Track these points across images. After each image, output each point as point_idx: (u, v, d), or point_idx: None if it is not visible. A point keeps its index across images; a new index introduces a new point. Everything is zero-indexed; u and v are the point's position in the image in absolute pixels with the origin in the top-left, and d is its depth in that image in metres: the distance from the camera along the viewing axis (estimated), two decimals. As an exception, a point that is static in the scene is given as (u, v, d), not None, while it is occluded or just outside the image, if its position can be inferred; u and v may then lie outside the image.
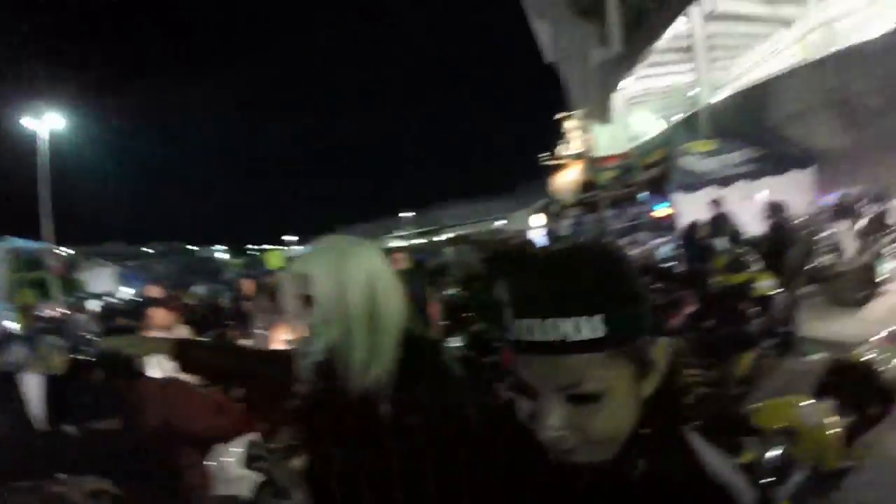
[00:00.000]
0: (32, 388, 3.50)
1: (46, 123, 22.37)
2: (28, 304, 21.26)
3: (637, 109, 19.48)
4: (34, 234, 23.21)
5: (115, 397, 3.24)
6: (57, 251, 23.14)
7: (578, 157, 21.70)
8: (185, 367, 1.96)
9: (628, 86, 18.99)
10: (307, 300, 1.41)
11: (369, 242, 1.55)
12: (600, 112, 20.00)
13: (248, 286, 8.80)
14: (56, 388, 3.55)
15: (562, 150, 23.63)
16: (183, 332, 5.46)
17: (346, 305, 1.39)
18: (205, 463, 3.11)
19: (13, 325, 17.48)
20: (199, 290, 15.88)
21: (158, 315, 5.28)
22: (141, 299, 13.38)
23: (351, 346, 1.39)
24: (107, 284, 24.21)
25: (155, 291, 8.23)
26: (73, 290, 23.33)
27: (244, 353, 3.57)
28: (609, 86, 18.81)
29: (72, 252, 25.82)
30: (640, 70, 17.57)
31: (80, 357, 4.22)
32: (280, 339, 4.57)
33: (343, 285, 1.39)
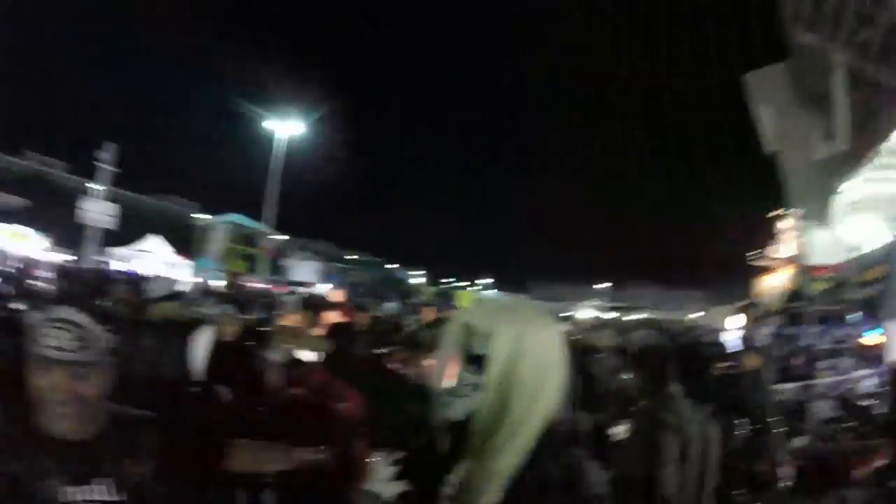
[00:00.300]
0: (200, 344, 4.05)
1: (287, 128, 25.18)
2: (236, 271, 24.18)
3: (859, 216, 17.43)
4: (256, 218, 26.03)
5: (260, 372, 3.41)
6: (272, 235, 25.94)
7: (789, 261, 20.01)
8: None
9: (851, 188, 17.07)
10: (468, 354, 1.33)
11: (553, 318, 1.44)
12: (819, 214, 18.17)
13: (427, 314, 8.64)
14: (218, 350, 4.08)
15: (773, 251, 21.96)
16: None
17: (511, 379, 1.29)
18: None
19: (218, 284, 20.07)
20: (391, 306, 16.73)
21: (330, 317, 5.40)
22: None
23: (497, 424, 1.29)
24: (307, 276, 26.46)
25: (338, 295, 8.60)
26: (277, 272, 25.90)
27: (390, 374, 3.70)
28: (830, 186, 16.97)
29: (285, 238, 28.65)
30: (867, 172, 15.76)
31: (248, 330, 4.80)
32: (441, 376, 4.40)
33: (516, 357, 1.29)
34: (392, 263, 57.93)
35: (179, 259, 24.49)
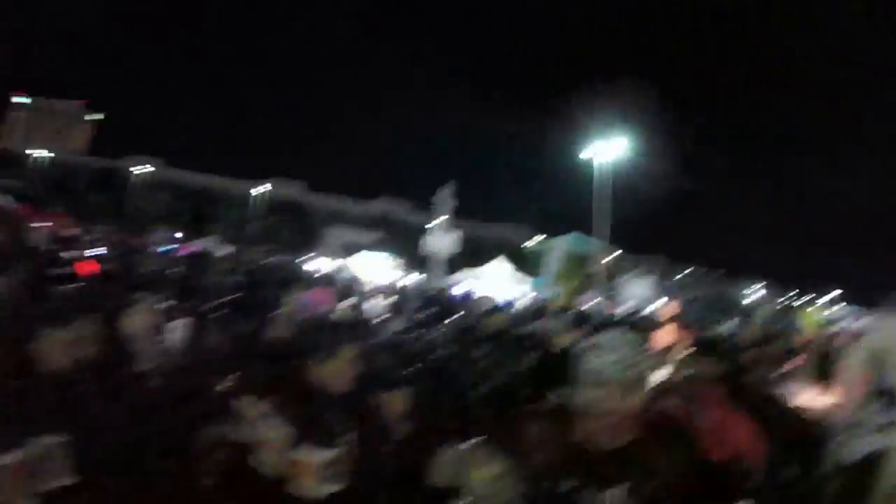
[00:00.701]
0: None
1: (607, 151, 24.91)
2: (573, 290, 24.43)
3: None
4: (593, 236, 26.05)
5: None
6: (606, 253, 25.64)
7: None
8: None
9: None
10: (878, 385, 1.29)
11: None
12: None
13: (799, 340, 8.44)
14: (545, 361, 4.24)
15: None
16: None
17: None
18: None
19: (554, 301, 20.42)
20: (728, 326, 15.19)
21: (661, 336, 5.50)
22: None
23: None
24: (642, 293, 25.45)
25: (670, 310, 8.32)
26: (611, 289, 25.49)
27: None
28: None
29: (619, 255, 28.15)
30: None
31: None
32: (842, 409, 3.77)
33: None
34: (729, 276, 53.83)
35: (521, 275, 25.75)
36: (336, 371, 2.54)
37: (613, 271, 27.39)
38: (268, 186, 59.64)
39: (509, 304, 14.19)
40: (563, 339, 4.65)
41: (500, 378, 4.16)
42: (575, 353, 1.68)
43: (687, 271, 48.78)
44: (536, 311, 14.13)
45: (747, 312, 31.34)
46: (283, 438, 2.23)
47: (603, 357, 1.59)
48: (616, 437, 1.56)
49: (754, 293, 50.24)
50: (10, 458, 1.71)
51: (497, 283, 23.73)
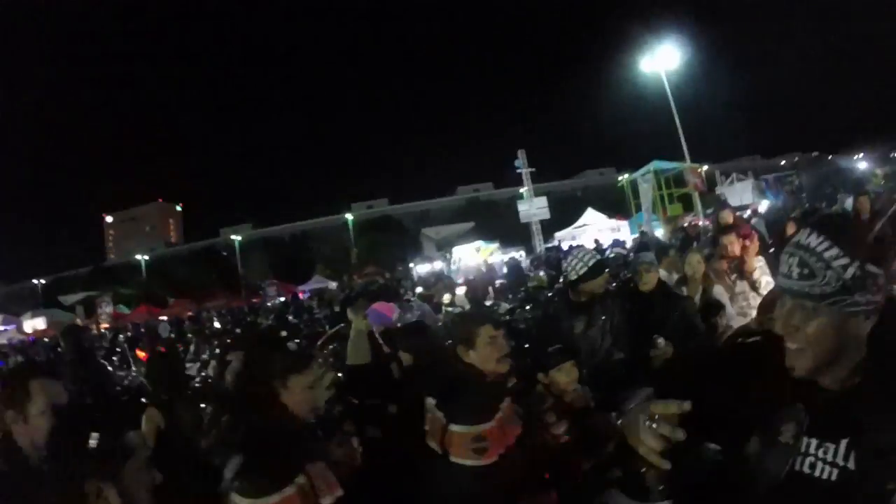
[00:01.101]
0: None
1: (664, 62, 24.07)
2: (673, 216, 23.87)
3: None
4: (678, 157, 25.34)
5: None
6: (695, 168, 24.86)
7: None
8: None
9: None
10: None
11: None
12: None
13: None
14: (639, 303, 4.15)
15: None
16: (754, 265, 5.00)
17: None
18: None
19: (658, 232, 20.16)
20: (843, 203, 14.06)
21: (731, 243, 5.04)
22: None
23: None
24: (746, 197, 24.52)
25: (728, 217, 7.51)
26: (713, 204, 24.68)
27: None
28: None
29: (706, 168, 27.15)
30: None
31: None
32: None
33: None
34: (836, 152, 48.09)
35: (615, 222, 25.48)
36: (485, 356, 2.70)
37: (709, 184, 26.49)
38: (349, 215, 61.76)
39: (604, 257, 14.31)
40: (651, 277, 4.32)
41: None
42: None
43: (783, 162, 45.95)
44: (638, 247, 14.11)
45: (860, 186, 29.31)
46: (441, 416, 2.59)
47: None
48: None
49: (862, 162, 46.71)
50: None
51: (596, 233, 23.67)
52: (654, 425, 1.15)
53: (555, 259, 16.33)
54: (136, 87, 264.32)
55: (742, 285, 4.93)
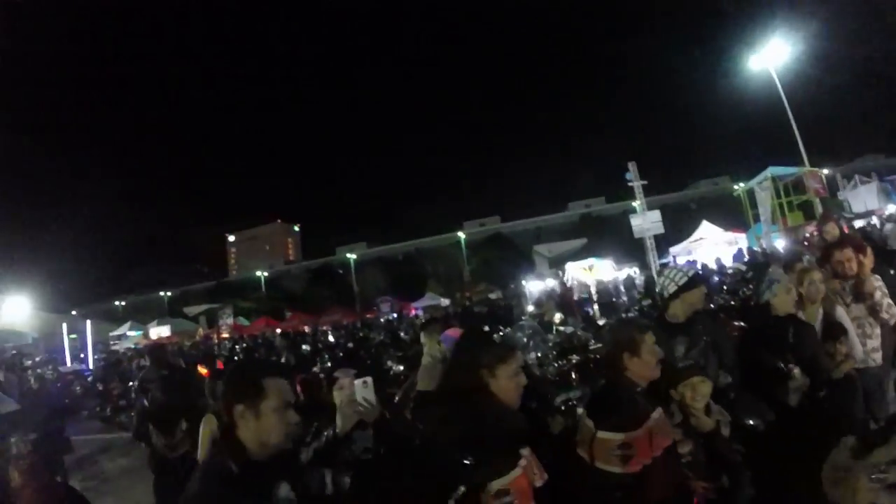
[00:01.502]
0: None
1: (773, 59, 23.23)
2: (794, 226, 22.99)
3: None
4: (795, 160, 24.43)
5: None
6: (815, 172, 23.79)
7: None
8: None
9: None
10: None
11: None
12: None
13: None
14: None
15: None
16: (874, 284, 4.55)
17: None
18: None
19: (778, 244, 19.55)
20: None
21: (848, 259, 4.55)
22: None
23: None
24: (871, 201, 23.27)
25: (834, 230, 6.78)
26: (839, 210, 23.55)
27: None
28: None
29: (826, 171, 25.88)
30: None
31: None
32: None
33: None
34: None
35: (732, 235, 24.87)
36: (647, 362, 2.77)
37: (831, 189, 25.22)
38: (462, 233, 62.96)
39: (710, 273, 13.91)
40: (784, 301, 3.94)
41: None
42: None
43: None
44: (756, 266, 13.63)
45: None
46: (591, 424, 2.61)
47: None
48: None
49: None
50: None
51: (710, 249, 23.26)
52: (885, 476, 1.11)
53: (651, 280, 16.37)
54: (260, 116, 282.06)
55: (858, 309, 4.44)
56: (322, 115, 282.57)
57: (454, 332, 4.78)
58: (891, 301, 4.50)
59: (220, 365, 13.22)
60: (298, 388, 5.46)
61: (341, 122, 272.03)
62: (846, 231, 8.12)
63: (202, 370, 8.89)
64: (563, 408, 5.22)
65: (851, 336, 4.10)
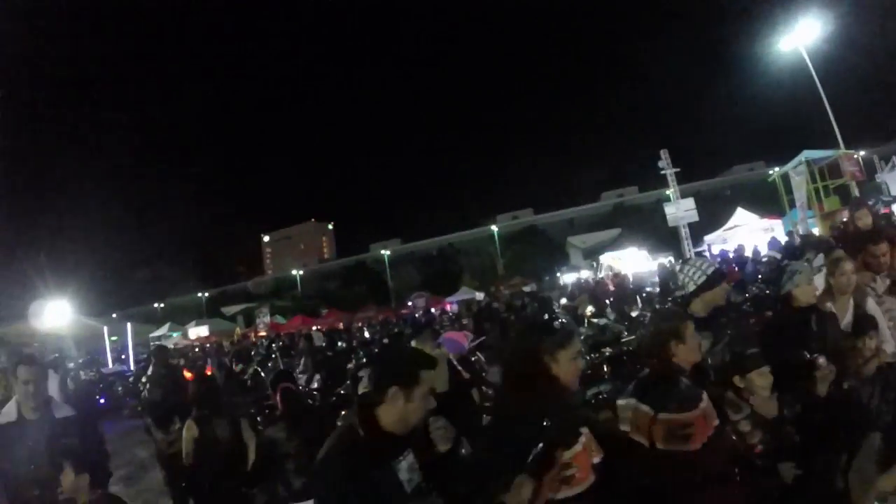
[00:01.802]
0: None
1: (805, 40, 22.91)
2: (831, 211, 22.68)
3: None
4: (831, 143, 24.11)
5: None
6: (850, 155, 23.40)
7: None
8: None
9: None
10: None
11: None
12: None
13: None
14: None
15: None
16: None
17: None
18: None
19: (815, 231, 19.36)
20: None
21: (883, 253, 4.31)
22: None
23: None
24: (911, 182, 22.80)
25: (867, 217, 6.30)
26: (876, 193, 23.15)
27: None
28: None
29: (863, 154, 25.41)
30: None
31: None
32: None
33: None
34: None
35: (767, 222, 24.64)
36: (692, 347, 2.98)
37: (868, 173, 24.77)
38: (495, 227, 63.02)
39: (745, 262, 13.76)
40: (806, 292, 3.89)
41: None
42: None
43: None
44: (789, 253, 13.47)
45: None
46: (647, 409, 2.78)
47: None
48: None
49: None
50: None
51: (745, 237, 23.10)
52: None
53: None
54: (294, 116, 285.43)
55: (892, 301, 4.25)
56: (355, 113, 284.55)
57: (454, 335, 5.09)
58: None
59: (208, 370, 13.68)
60: (278, 398, 5.77)
61: (374, 119, 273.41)
62: (879, 218, 7.83)
63: (187, 374, 9.14)
64: (592, 402, 5.34)
65: (883, 330, 3.93)
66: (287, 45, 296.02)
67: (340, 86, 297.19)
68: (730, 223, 25.75)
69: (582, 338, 7.24)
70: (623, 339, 7.59)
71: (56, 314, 14.68)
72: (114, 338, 22.23)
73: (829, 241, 8.43)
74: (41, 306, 14.13)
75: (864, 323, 3.83)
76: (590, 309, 9.78)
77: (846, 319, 3.97)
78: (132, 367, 19.87)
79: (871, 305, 4.05)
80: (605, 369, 6.64)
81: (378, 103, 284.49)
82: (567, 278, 27.96)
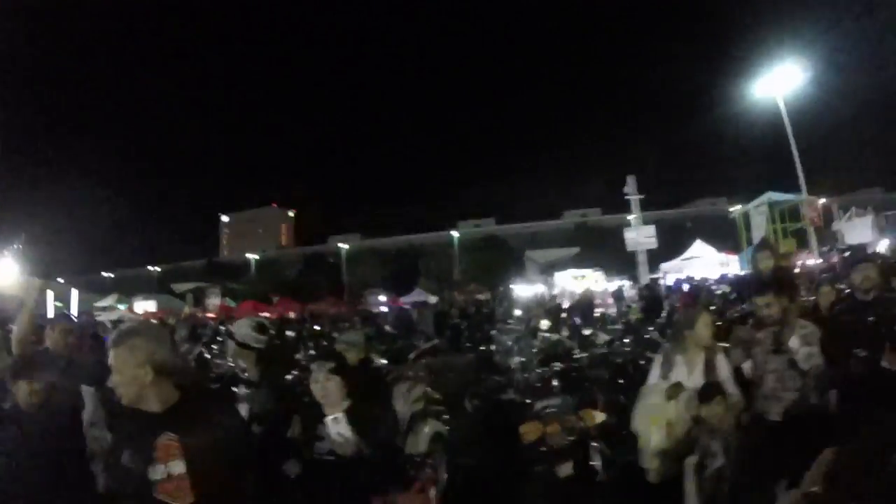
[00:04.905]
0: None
1: (782, 85, 23.30)
2: (785, 252, 23.06)
3: None
4: (794, 188, 24.47)
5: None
6: (812, 201, 23.81)
7: None
8: None
9: None
10: None
11: None
12: None
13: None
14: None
15: None
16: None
17: None
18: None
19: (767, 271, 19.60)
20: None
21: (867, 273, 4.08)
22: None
23: None
24: (864, 234, 23.32)
25: (765, 260, 5.76)
26: (830, 241, 23.57)
27: None
28: None
29: (824, 201, 25.92)
30: None
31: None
32: None
33: None
34: None
35: (724, 256, 24.92)
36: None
37: (826, 220, 25.29)
38: (456, 232, 62.91)
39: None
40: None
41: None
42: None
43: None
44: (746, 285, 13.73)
45: None
46: None
47: None
48: None
49: None
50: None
51: (705, 267, 23.31)
52: None
53: (649, 296, 16.24)
54: (261, 97, 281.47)
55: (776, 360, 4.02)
56: (325, 104, 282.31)
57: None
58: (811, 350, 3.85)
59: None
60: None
61: (344, 112, 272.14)
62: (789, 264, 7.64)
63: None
64: (540, 415, 5.22)
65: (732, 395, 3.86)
66: (262, 30, 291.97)
67: (313, 75, 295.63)
68: (687, 253, 26.03)
69: (534, 350, 7.50)
70: (574, 356, 7.58)
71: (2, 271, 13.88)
72: (58, 303, 21.12)
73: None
74: (-16, 262, 13.32)
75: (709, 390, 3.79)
76: (544, 323, 9.67)
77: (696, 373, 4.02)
78: (73, 335, 18.95)
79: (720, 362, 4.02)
80: (555, 384, 6.64)
81: (351, 98, 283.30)
82: (521, 290, 27.83)
